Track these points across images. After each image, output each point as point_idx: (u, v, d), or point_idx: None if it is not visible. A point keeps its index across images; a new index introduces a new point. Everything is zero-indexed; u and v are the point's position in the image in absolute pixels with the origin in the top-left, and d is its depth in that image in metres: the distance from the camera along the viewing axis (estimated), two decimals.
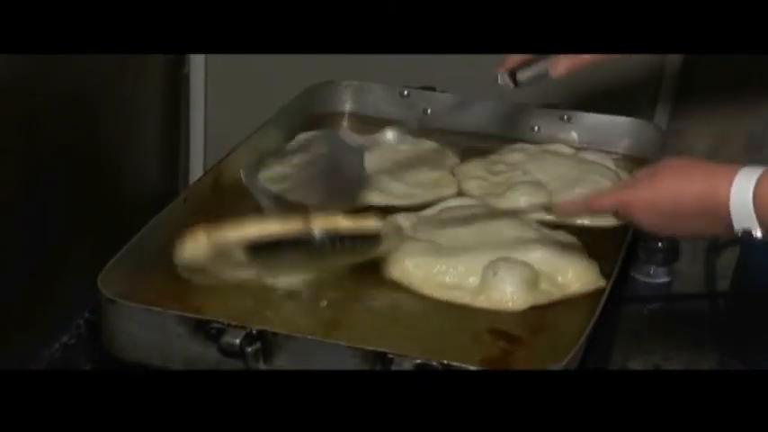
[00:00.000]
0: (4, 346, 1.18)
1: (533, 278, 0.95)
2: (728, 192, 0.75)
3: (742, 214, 0.74)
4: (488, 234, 1.02)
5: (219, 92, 1.62)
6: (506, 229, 1.03)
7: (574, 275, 0.98)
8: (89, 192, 1.38)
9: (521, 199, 1.10)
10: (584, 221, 1.08)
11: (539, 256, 0.98)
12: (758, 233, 0.74)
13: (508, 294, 0.94)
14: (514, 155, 1.21)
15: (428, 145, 1.25)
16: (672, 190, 0.79)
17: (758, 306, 1.45)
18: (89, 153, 1.40)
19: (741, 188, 0.74)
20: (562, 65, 0.97)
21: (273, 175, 1.18)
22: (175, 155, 1.70)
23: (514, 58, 1.00)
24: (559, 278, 0.97)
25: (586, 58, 0.97)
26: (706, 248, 1.53)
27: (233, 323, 0.85)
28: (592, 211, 0.91)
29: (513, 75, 1.01)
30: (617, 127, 1.28)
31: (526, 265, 0.96)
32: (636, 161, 1.23)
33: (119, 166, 1.52)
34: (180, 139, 1.71)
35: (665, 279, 1.60)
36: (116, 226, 1.08)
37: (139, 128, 1.57)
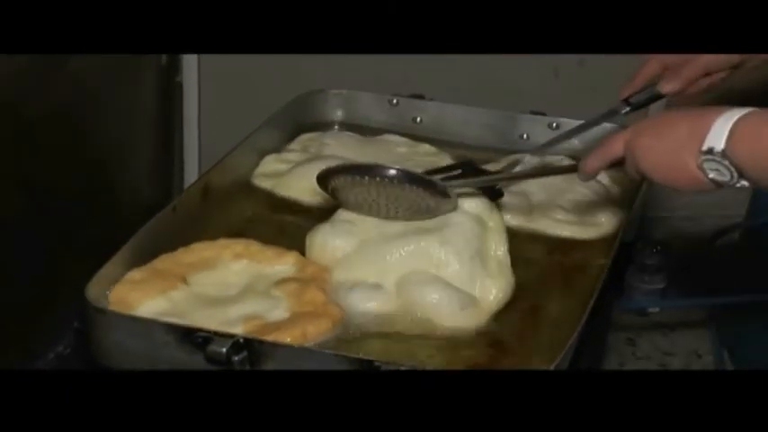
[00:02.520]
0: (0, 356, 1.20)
1: None
2: (712, 123, 0.78)
3: (715, 134, 0.78)
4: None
5: (213, 100, 1.63)
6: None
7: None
8: (85, 203, 1.39)
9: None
10: (567, 233, 1.10)
11: None
12: (718, 147, 0.77)
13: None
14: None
15: (425, 148, 1.27)
16: (668, 118, 0.84)
17: (753, 313, 1.46)
18: (83, 165, 1.41)
19: (731, 114, 0.78)
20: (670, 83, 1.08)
21: (267, 171, 1.19)
22: (170, 164, 1.72)
23: (629, 90, 1.11)
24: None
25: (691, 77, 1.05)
26: (702, 255, 1.55)
27: (220, 332, 0.85)
28: (607, 156, 0.90)
29: (626, 101, 1.12)
30: (605, 134, 1.27)
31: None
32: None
33: (114, 176, 1.53)
34: (174, 147, 1.73)
35: (659, 285, 1.62)
36: (112, 236, 1.09)
37: (134, 139, 1.58)
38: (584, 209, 1.14)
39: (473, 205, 1.02)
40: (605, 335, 1.25)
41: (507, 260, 1.00)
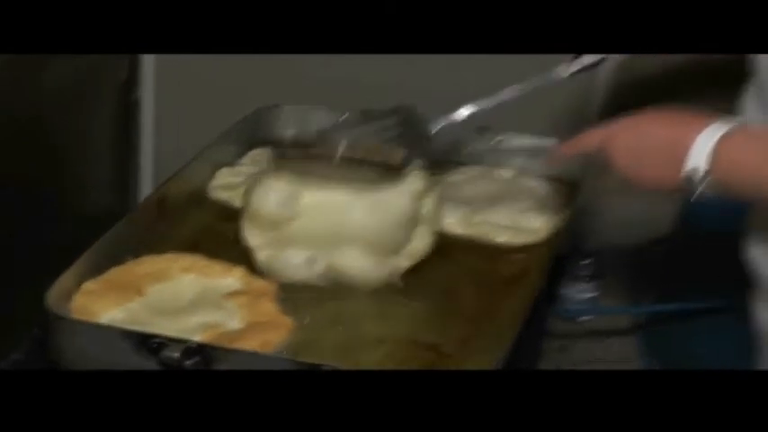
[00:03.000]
0: None
1: None
2: (695, 137, 0.79)
3: (697, 156, 0.79)
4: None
5: (169, 115, 1.64)
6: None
7: None
8: (43, 212, 1.41)
9: None
10: (504, 238, 1.15)
11: None
12: (700, 168, 0.78)
13: None
14: (456, 176, 1.27)
15: None
16: (650, 122, 0.83)
17: (679, 321, 1.53)
18: (44, 176, 1.42)
19: (713, 131, 0.79)
20: None
21: (223, 183, 1.23)
22: (127, 176, 1.72)
23: None
24: None
25: None
26: (630, 264, 1.60)
27: (174, 337, 0.89)
28: (580, 147, 0.90)
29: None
30: (546, 149, 1.32)
31: None
32: (566, 183, 1.25)
33: (73, 187, 1.54)
34: (131, 161, 1.73)
35: (592, 294, 1.68)
36: (70, 245, 1.11)
37: (93, 151, 1.59)
38: (523, 215, 1.18)
39: (414, 185, 1.07)
40: (539, 342, 1.31)
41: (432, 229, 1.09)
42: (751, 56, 0.92)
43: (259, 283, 1.02)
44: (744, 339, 1.06)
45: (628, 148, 0.83)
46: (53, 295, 0.95)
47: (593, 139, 0.86)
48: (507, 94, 1.08)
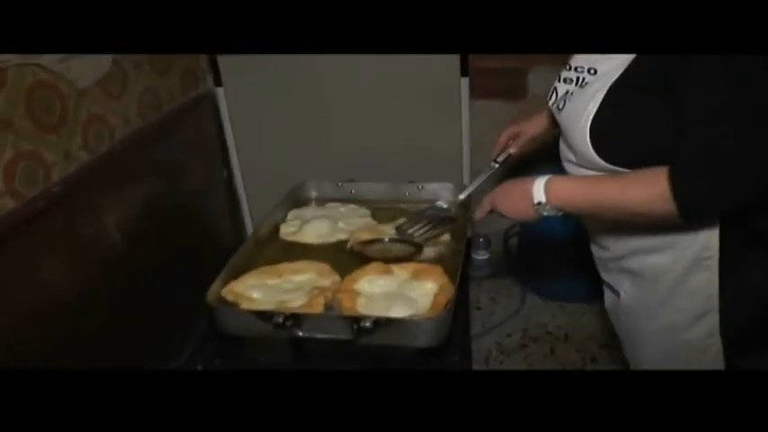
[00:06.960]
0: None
1: None
2: (532, 186, 1.32)
3: (538, 195, 1.31)
4: None
5: (251, 191, 2.47)
6: None
7: None
8: (189, 248, 2.04)
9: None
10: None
11: None
12: (543, 201, 1.30)
13: None
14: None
15: (352, 207, 2.10)
16: (510, 187, 1.39)
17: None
18: (189, 229, 2.05)
19: (539, 182, 1.31)
20: (514, 147, 1.77)
21: (285, 231, 1.95)
22: (235, 221, 2.49)
23: (494, 153, 1.78)
24: None
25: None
26: (502, 240, 2.48)
27: (276, 311, 1.48)
28: (483, 208, 1.46)
29: (494, 160, 1.79)
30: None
31: None
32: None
33: (204, 234, 2.20)
34: (236, 213, 2.51)
35: (485, 256, 2.57)
36: (207, 270, 1.59)
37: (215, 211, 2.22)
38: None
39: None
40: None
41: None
42: None
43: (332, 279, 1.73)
44: None
45: (503, 201, 1.42)
46: (211, 294, 1.55)
47: (486, 202, 1.48)
48: (479, 180, 1.79)
